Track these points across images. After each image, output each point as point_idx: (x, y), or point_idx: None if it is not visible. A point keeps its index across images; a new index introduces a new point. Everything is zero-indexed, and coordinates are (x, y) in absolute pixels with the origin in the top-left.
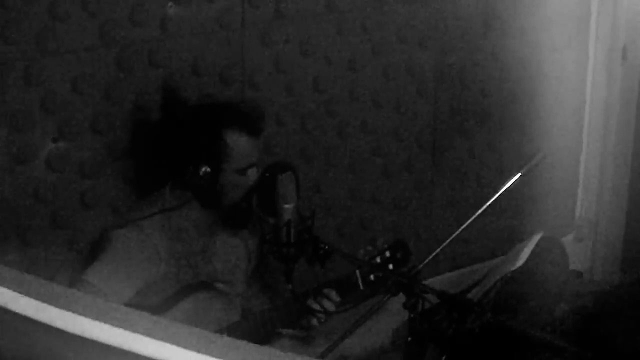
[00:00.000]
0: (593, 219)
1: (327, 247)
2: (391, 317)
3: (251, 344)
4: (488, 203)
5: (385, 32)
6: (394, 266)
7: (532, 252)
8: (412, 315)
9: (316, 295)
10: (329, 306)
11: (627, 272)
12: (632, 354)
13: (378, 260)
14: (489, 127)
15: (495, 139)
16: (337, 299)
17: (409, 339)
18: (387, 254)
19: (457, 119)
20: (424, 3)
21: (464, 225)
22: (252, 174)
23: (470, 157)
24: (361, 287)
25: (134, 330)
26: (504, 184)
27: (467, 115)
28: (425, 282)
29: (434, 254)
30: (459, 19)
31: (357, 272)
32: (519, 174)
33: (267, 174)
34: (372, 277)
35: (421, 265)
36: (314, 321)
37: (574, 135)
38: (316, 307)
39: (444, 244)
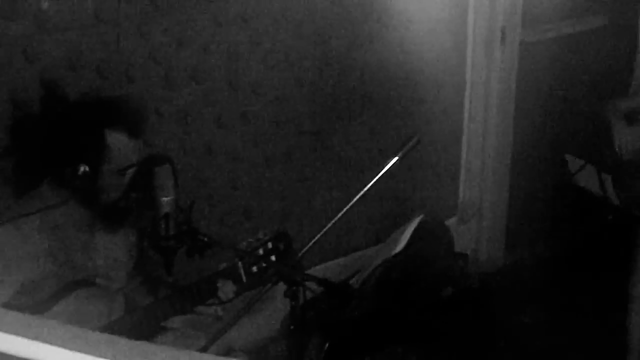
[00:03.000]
0: (476, 201)
1: (206, 239)
2: (280, 307)
3: (130, 340)
4: (365, 189)
5: (264, 21)
6: (276, 257)
7: (417, 236)
8: (293, 304)
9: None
10: (224, 296)
11: (511, 252)
12: (517, 332)
13: (260, 251)
14: (369, 113)
15: (377, 124)
16: (234, 288)
17: (292, 327)
18: (269, 245)
19: (337, 106)
20: None
21: (342, 213)
22: (132, 174)
23: (352, 143)
24: (244, 279)
25: (6, 331)
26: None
27: (347, 101)
28: (310, 271)
29: (312, 242)
30: (338, 5)
31: (240, 263)
32: (395, 159)
33: (143, 167)
34: (254, 268)
35: (300, 254)
36: (212, 310)
37: (455, 118)
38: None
39: (322, 232)
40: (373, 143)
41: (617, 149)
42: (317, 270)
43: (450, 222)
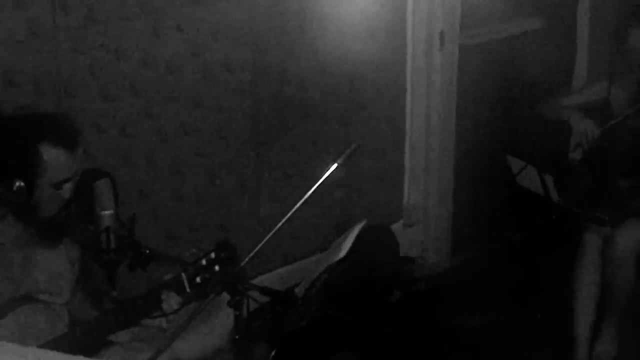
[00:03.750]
0: (421, 205)
1: (148, 252)
2: (227, 317)
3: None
4: (305, 197)
5: (202, 32)
6: (220, 267)
7: (361, 242)
8: (237, 314)
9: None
10: (169, 307)
11: (457, 254)
12: (464, 333)
13: (204, 262)
14: (310, 121)
15: (318, 132)
16: (178, 300)
17: (237, 337)
18: (213, 255)
19: (278, 115)
20: (238, 0)
21: (282, 221)
22: (68, 188)
23: (294, 151)
24: (188, 290)
25: None
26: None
27: (287, 110)
28: (256, 280)
29: (254, 251)
30: (275, 14)
31: (183, 275)
32: (334, 165)
33: (82, 182)
34: (198, 279)
35: (243, 263)
36: (157, 322)
37: (397, 123)
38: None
39: (264, 241)
40: (315, 151)
41: (578, 140)
42: (264, 280)
43: (396, 226)
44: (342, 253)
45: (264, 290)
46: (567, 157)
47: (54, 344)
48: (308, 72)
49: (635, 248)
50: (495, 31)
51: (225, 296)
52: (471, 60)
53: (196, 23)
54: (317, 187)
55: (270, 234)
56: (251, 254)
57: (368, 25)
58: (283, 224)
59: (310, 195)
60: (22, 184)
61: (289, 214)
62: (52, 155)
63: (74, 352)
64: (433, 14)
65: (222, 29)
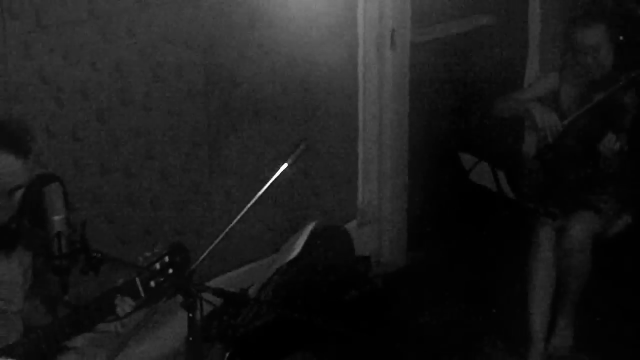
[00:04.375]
0: (375, 204)
1: (99, 256)
2: (182, 319)
3: None
4: (255, 197)
5: (152, 34)
6: (174, 270)
7: (314, 242)
8: (190, 316)
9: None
10: (123, 311)
11: (413, 252)
12: (421, 330)
13: (157, 266)
14: (262, 121)
15: (270, 132)
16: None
17: (190, 339)
18: (166, 258)
19: (230, 116)
20: (187, 2)
21: (234, 222)
22: (20, 195)
23: (246, 152)
24: (142, 294)
25: None
26: (278, 177)
27: (239, 111)
28: (212, 282)
29: (206, 252)
30: (226, 15)
31: (137, 279)
32: (284, 166)
33: (33, 187)
34: (152, 283)
35: (195, 265)
36: (112, 326)
37: (350, 122)
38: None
39: (215, 242)
40: (267, 151)
41: (542, 133)
42: (220, 281)
43: (351, 226)
44: (294, 254)
45: (216, 292)
46: (520, 152)
47: (9, 351)
48: (259, 73)
49: (588, 239)
50: (446, 28)
51: (179, 299)
52: (423, 58)
53: (146, 26)
54: (269, 187)
55: (222, 235)
56: (203, 256)
57: (319, 24)
58: (236, 225)
59: (263, 195)
60: None
61: (239, 215)
62: (4, 162)
63: (29, 359)
64: (384, 13)
65: (172, 31)
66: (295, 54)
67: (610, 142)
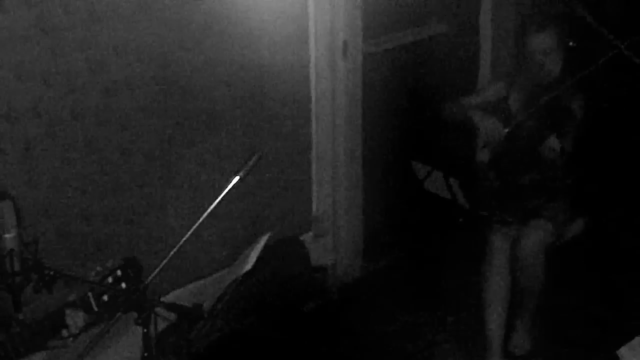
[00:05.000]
0: (330, 214)
1: (52, 273)
2: (136, 335)
3: None
4: (208, 211)
5: (103, 49)
6: (126, 284)
7: (268, 254)
8: (145, 331)
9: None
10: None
11: (369, 261)
12: (379, 339)
13: (110, 280)
14: (216, 134)
15: (223, 144)
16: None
17: (145, 354)
18: (119, 272)
19: (184, 129)
20: (139, 15)
21: (186, 236)
22: None
23: (200, 165)
24: (95, 309)
25: None
26: (231, 189)
27: (193, 124)
28: (168, 296)
29: (160, 266)
30: (177, 28)
31: (90, 294)
32: (236, 178)
33: None
34: (105, 297)
35: (149, 280)
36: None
37: (303, 133)
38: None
39: (169, 256)
40: (221, 164)
41: (485, 139)
42: (175, 295)
43: (306, 237)
44: (248, 266)
45: (170, 307)
46: (474, 160)
47: None
48: (212, 85)
49: (541, 247)
50: (398, 38)
51: (134, 314)
52: (377, 68)
53: (97, 40)
54: (223, 199)
55: (175, 249)
56: (157, 270)
57: (271, 36)
58: (190, 239)
59: (217, 208)
60: None
61: (192, 229)
62: None
63: None
64: (335, 24)
65: (123, 45)
66: (247, 66)
67: (554, 144)
